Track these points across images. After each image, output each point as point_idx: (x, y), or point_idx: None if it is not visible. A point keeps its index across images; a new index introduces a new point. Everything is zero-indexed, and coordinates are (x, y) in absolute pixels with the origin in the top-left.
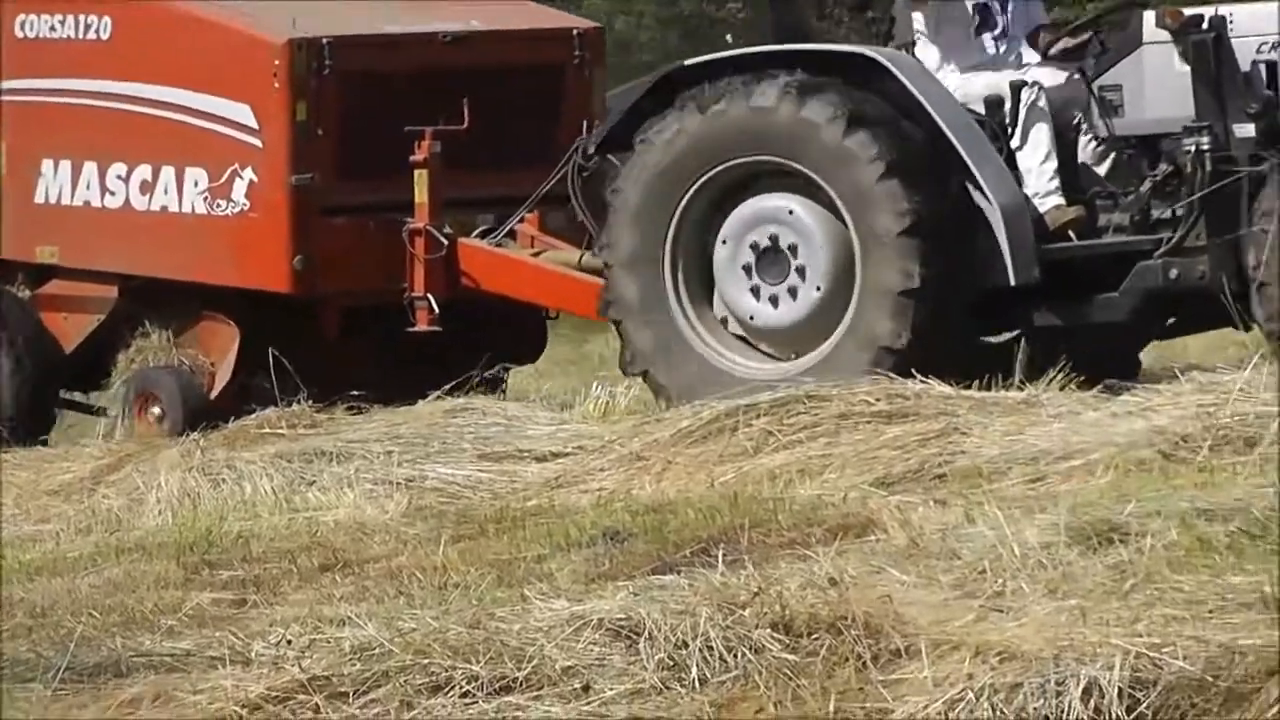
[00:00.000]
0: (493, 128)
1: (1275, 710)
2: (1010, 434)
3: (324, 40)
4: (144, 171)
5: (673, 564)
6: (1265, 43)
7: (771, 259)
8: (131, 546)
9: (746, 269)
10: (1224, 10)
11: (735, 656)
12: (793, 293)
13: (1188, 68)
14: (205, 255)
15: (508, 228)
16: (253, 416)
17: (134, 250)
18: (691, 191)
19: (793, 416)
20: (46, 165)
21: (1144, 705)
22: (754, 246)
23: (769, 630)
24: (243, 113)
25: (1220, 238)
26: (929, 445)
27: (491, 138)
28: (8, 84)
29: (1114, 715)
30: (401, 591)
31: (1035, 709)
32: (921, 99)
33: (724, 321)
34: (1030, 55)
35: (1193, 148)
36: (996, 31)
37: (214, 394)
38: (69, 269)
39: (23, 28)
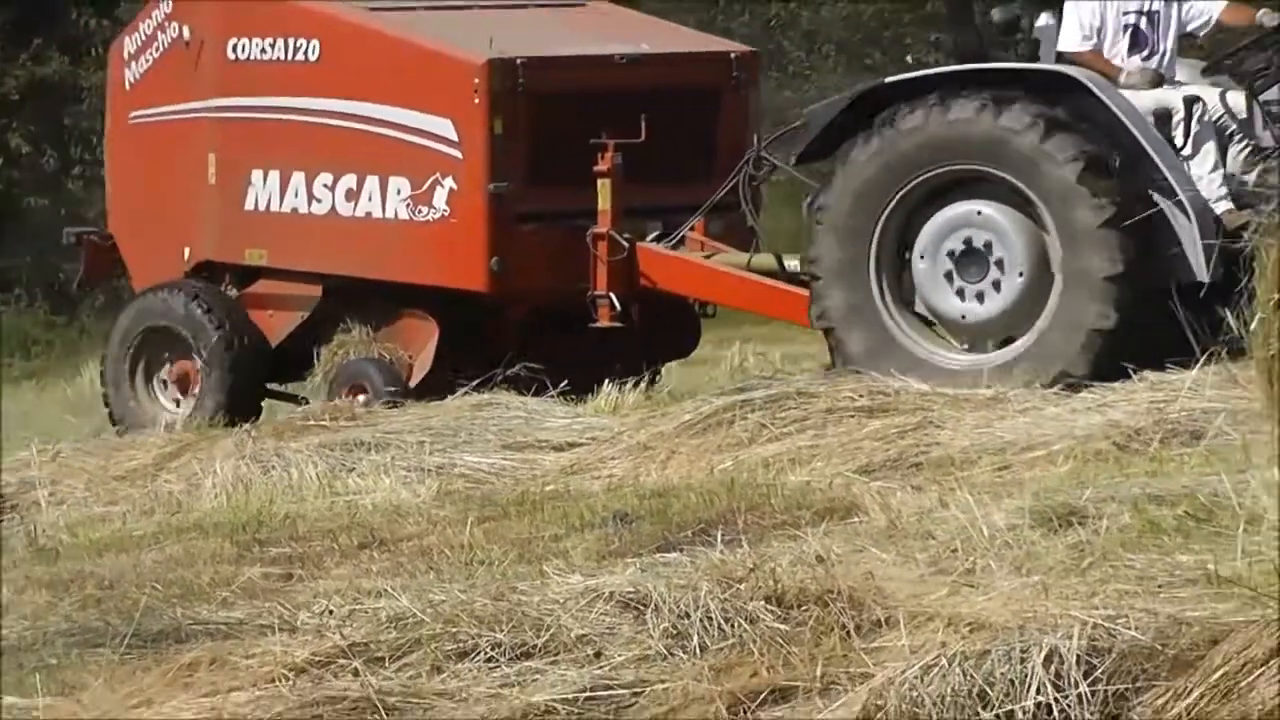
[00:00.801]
0: (661, 142)
1: (1217, 675)
2: (980, 427)
3: (518, 60)
4: (349, 180)
5: (676, 543)
6: None
7: (970, 260)
8: (190, 526)
9: (948, 275)
10: None
11: (732, 626)
12: (996, 285)
13: None
14: (407, 257)
15: (681, 233)
16: (298, 410)
17: (339, 252)
18: (893, 204)
19: (784, 411)
20: (256, 175)
21: (1099, 670)
22: (951, 254)
23: (763, 602)
24: (445, 126)
25: None
26: (906, 437)
27: (659, 151)
28: (218, 101)
29: (1072, 680)
30: (432, 567)
31: (1002, 674)
32: (1113, 108)
33: (930, 324)
34: (1182, 67)
35: None
36: (1145, 53)
37: (413, 383)
38: (275, 270)
39: (234, 50)
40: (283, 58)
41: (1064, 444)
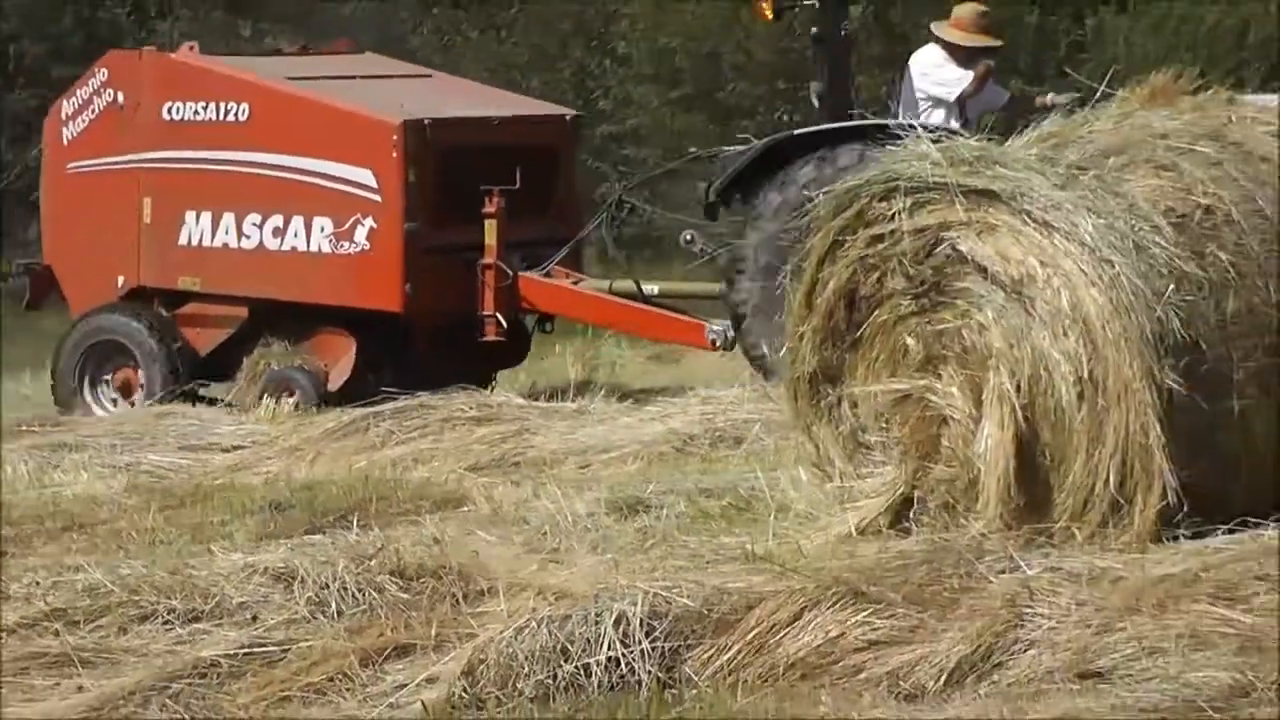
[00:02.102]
0: (522, 188)
1: (752, 634)
2: (566, 434)
3: (425, 121)
4: (276, 220)
5: (320, 527)
6: None
7: None
8: None
9: None
10: None
11: (364, 595)
12: None
13: None
14: (331, 284)
15: (552, 263)
16: (14, 418)
17: (267, 280)
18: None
19: (409, 420)
20: (189, 215)
21: (658, 630)
22: None
23: (389, 576)
24: (365, 175)
25: None
26: (508, 441)
27: (518, 195)
28: (154, 154)
29: (637, 638)
30: (121, 546)
31: (580, 633)
32: None
33: None
34: None
35: None
36: (960, 123)
37: (333, 388)
38: (205, 294)
39: (169, 112)
40: (215, 118)
41: (633, 447)
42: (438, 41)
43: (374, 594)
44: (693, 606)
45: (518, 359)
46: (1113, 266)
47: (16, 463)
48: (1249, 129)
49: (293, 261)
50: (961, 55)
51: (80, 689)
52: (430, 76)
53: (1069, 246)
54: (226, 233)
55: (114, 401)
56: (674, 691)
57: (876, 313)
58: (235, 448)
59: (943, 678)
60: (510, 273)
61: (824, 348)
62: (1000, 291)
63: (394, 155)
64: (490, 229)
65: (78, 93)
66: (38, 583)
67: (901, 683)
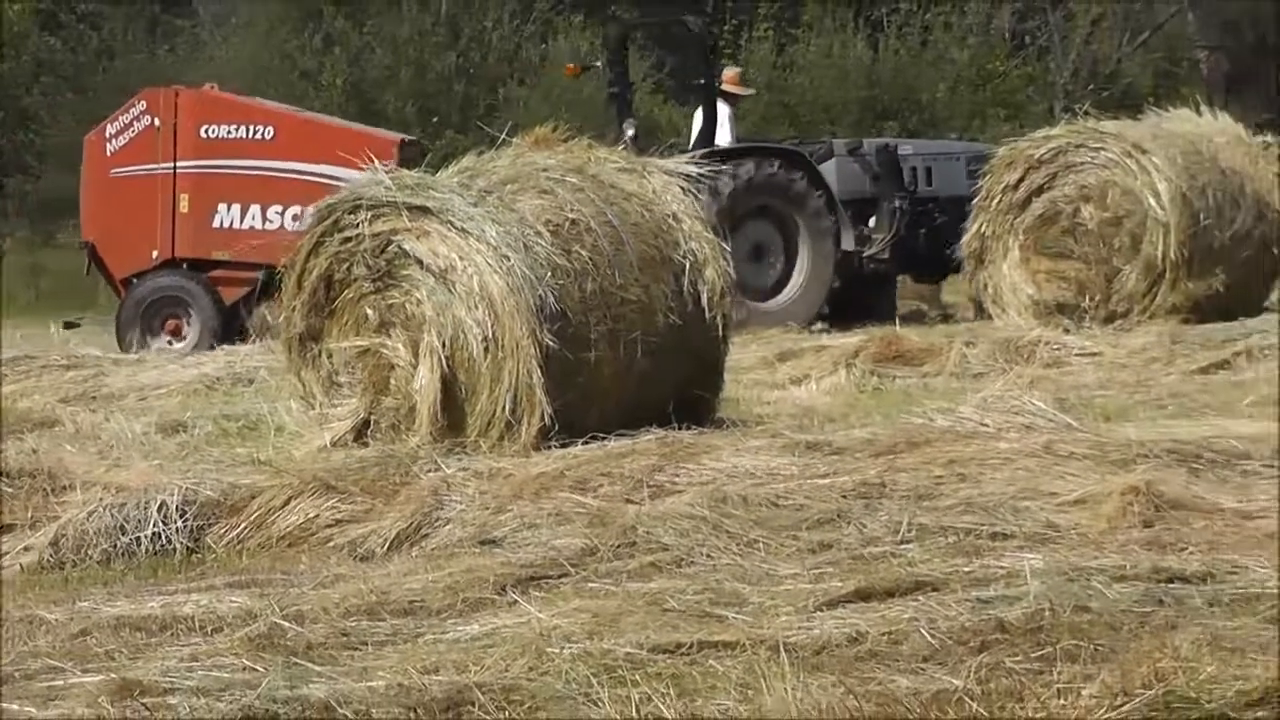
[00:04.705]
0: None
1: (256, 515)
2: (130, 376)
3: (404, 139)
4: (295, 209)
5: None
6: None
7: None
8: None
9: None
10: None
11: None
12: (774, 266)
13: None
14: None
15: None
16: None
17: (285, 252)
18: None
19: (19, 366)
20: (222, 206)
21: (189, 514)
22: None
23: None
24: None
25: None
26: (89, 382)
27: None
28: (193, 163)
29: (173, 519)
30: None
31: (134, 515)
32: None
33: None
34: None
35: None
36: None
37: None
38: (232, 262)
39: (204, 132)
40: (245, 136)
41: (177, 385)
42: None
43: None
44: (214, 496)
45: None
46: (509, 260)
47: None
48: (602, 165)
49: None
50: (732, 100)
51: None
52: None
53: (479, 246)
54: (254, 219)
55: (169, 342)
56: (199, 555)
57: (346, 292)
58: None
59: (386, 545)
60: None
61: (310, 316)
62: (432, 277)
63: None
64: None
65: (120, 119)
66: None
67: (358, 548)
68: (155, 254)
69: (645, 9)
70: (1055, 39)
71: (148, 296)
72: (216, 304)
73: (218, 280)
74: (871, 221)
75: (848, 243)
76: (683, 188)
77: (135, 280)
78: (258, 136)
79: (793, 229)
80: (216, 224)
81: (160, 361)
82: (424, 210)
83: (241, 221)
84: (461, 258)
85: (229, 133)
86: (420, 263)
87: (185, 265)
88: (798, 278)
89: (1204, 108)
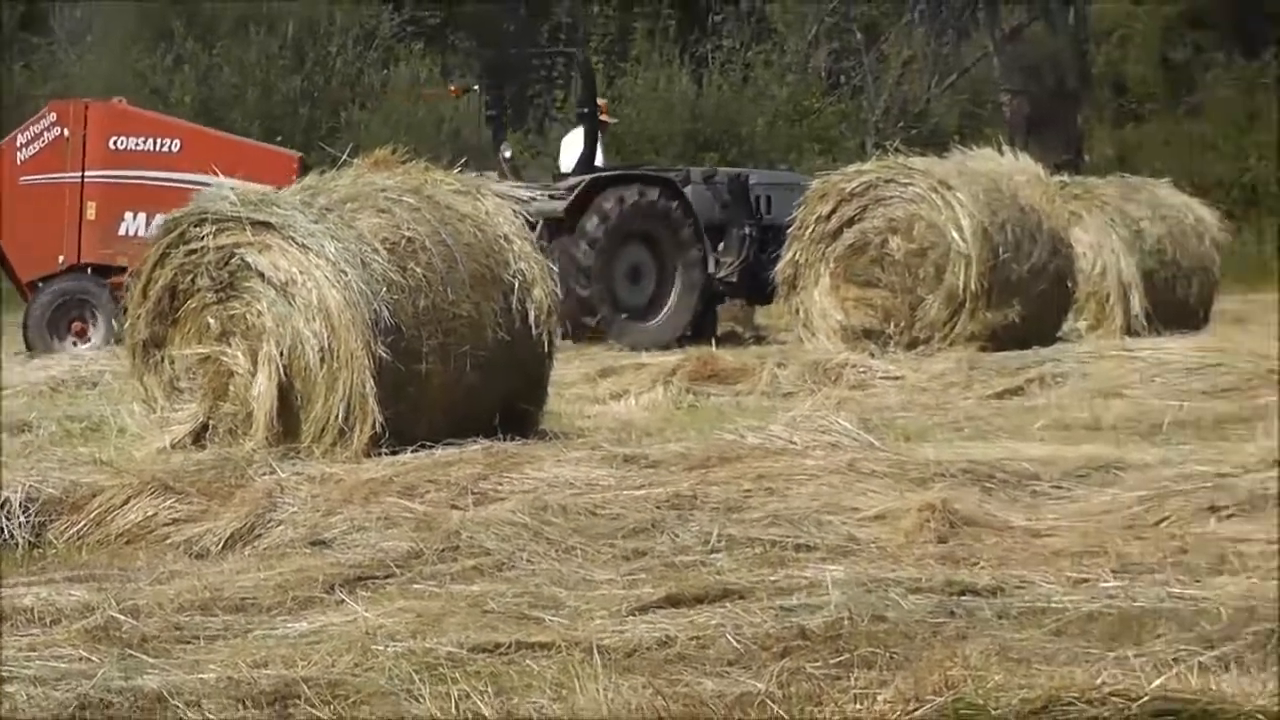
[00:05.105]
0: None
1: (96, 512)
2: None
3: (302, 157)
4: None
5: None
6: None
7: (635, 274)
8: None
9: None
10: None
11: None
12: (644, 288)
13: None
14: None
15: None
16: None
17: None
18: (616, 244)
19: None
20: (128, 215)
21: (31, 510)
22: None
23: None
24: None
25: None
26: None
27: None
28: (96, 172)
29: (16, 515)
30: None
31: None
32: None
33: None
34: None
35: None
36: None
37: None
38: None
39: (113, 144)
40: (152, 149)
41: (24, 387)
42: None
43: None
44: (55, 494)
45: None
46: (347, 275)
47: None
48: (438, 187)
49: None
50: (602, 127)
51: None
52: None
53: (319, 261)
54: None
55: (73, 343)
56: (40, 551)
57: (190, 301)
58: None
59: (221, 544)
60: None
61: (154, 323)
62: (273, 289)
63: (293, 179)
64: None
65: (30, 129)
66: None
67: (194, 547)
68: (62, 259)
69: (482, 38)
70: (869, 79)
71: (54, 300)
72: (120, 307)
73: (121, 285)
74: (721, 246)
75: (711, 267)
76: (514, 210)
77: (41, 284)
78: (164, 149)
79: (667, 253)
80: (122, 231)
81: (9, 364)
82: (267, 225)
83: (146, 230)
84: (301, 272)
85: (137, 145)
86: (262, 275)
87: (90, 270)
88: (670, 299)
89: (1006, 148)
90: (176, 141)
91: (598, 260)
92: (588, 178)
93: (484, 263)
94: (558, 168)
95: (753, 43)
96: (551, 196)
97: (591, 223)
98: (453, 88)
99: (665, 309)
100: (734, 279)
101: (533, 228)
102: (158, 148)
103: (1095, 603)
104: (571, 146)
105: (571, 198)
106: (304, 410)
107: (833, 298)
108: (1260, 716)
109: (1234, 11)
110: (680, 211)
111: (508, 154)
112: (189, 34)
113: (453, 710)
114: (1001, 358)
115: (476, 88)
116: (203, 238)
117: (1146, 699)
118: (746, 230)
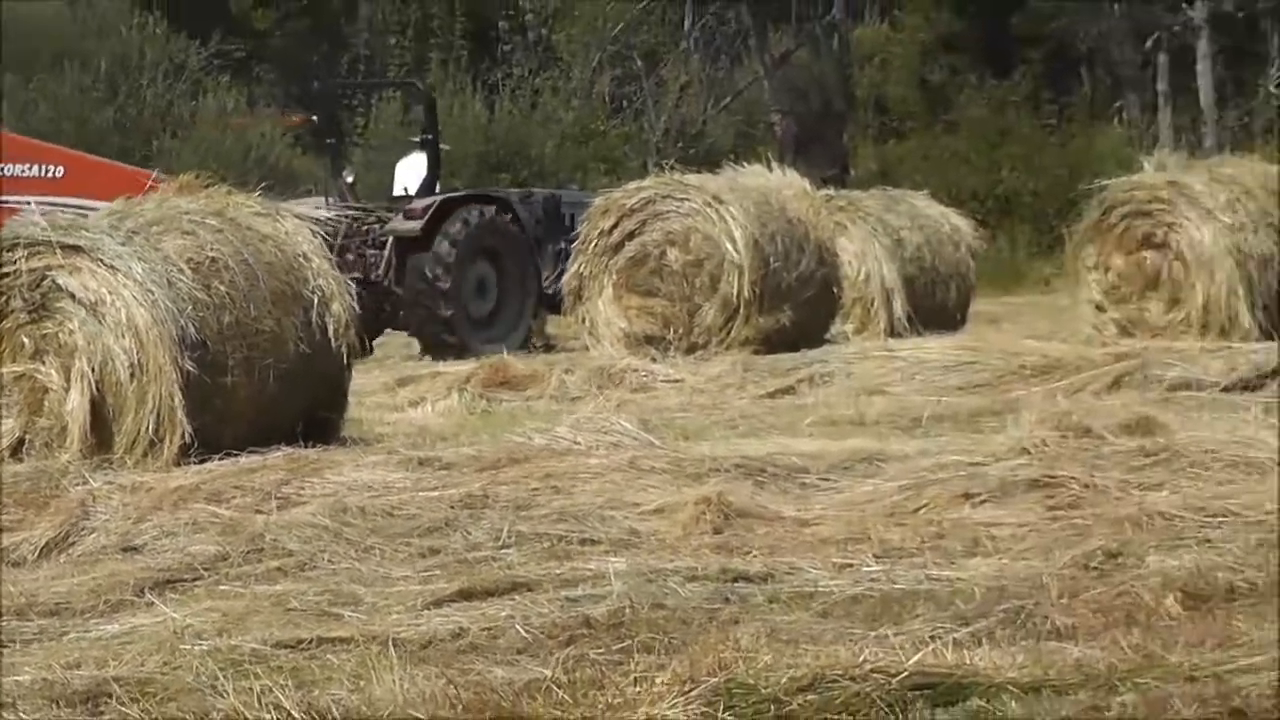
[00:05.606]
0: None
1: None
2: None
3: (156, 172)
4: None
5: None
6: None
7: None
8: None
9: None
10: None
11: None
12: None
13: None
14: None
15: None
16: None
17: None
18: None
19: None
20: None
21: None
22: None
23: None
24: None
25: None
26: None
27: None
28: None
29: None
30: None
31: None
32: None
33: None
34: None
35: None
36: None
37: None
38: None
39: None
40: (38, 175)
41: None
42: None
43: None
44: None
45: None
46: (154, 294)
47: None
48: (240, 210)
49: None
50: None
51: None
52: None
53: (127, 281)
54: None
55: None
56: None
57: (4, 322)
58: None
59: (36, 552)
60: None
61: None
62: (83, 309)
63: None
64: None
65: None
66: None
67: (10, 555)
68: None
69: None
70: (649, 103)
71: None
72: None
73: None
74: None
75: (542, 280)
76: (312, 230)
77: None
78: (49, 175)
79: (506, 267)
80: None
81: None
82: (76, 248)
83: None
84: (110, 292)
85: (23, 171)
86: (73, 296)
87: None
88: (509, 310)
89: (775, 164)
90: (60, 167)
91: (453, 282)
92: (440, 198)
93: (284, 280)
94: (390, 190)
95: (540, 70)
96: (406, 216)
97: (443, 247)
98: (295, 117)
99: (505, 318)
100: (549, 290)
101: (382, 246)
102: (43, 173)
103: (859, 586)
104: (407, 170)
105: (427, 217)
106: (116, 423)
107: (616, 306)
108: (1011, 688)
109: (984, 36)
110: (517, 229)
111: (350, 178)
112: (4, 69)
113: (255, 704)
114: (773, 360)
115: (315, 118)
116: (15, 261)
117: (906, 674)
118: (561, 245)
